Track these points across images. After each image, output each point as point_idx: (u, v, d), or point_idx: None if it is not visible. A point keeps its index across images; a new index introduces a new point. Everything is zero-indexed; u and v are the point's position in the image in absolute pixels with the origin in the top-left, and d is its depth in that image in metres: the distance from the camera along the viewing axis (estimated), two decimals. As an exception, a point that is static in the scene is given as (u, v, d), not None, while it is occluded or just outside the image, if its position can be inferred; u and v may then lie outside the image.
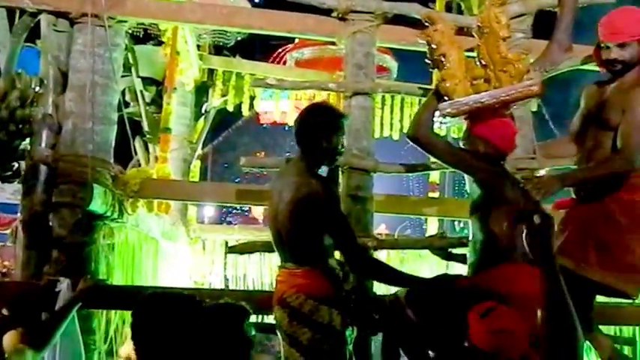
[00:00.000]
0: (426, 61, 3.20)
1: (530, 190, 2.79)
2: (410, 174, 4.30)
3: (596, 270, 2.83)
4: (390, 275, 3.03)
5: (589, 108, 3.16)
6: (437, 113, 3.07)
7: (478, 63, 3.12)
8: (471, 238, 3.02)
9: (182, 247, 6.81)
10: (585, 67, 3.93)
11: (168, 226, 6.02)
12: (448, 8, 7.91)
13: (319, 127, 2.98)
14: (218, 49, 8.24)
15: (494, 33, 3.08)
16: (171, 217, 6.42)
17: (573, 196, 3.12)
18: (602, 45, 3.07)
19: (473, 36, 3.23)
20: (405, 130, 7.40)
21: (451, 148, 3.14)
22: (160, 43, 7.04)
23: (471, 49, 3.25)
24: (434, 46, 3.07)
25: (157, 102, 7.31)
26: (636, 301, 3.22)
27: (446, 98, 3.03)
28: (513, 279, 2.66)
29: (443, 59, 3.04)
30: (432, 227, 8.48)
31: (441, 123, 3.10)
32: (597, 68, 3.38)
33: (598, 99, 3.11)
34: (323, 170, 3.10)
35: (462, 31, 3.77)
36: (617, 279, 2.83)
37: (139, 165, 6.87)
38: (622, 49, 3.00)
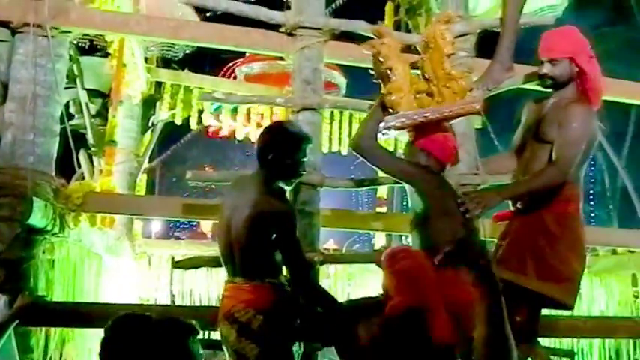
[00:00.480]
0: (371, 72, 3.26)
1: (470, 204, 2.85)
2: (358, 189, 4.33)
3: (534, 280, 2.91)
4: (325, 303, 3.02)
5: (528, 123, 3.27)
6: (381, 125, 3.12)
7: (421, 77, 3.19)
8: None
9: (127, 262, 6.68)
10: (527, 85, 4.06)
11: (112, 240, 5.90)
12: (396, 27, 8.05)
13: (283, 145, 2.99)
14: (166, 62, 8.16)
15: (439, 49, 3.16)
16: (116, 232, 6.29)
17: (512, 208, 3.21)
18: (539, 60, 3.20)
19: (418, 53, 3.29)
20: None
21: (394, 160, 3.22)
22: (106, 55, 6.92)
23: (415, 67, 3.31)
24: (381, 59, 3.13)
25: (102, 114, 7.19)
26: (574, 313, 3.32)
27: (391, 110, 3.08)
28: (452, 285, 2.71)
29: (389, 72, 3.10)
30: (379, 242, 8.55)
31: (383, 135, 3.15)
32: (539, 87, 3.50)
33: (537, 114, 3.22)
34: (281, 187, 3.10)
35: (407, 48, 3.84)
36: (553, 289, 2.91)
37: (83, 178, 6.71)
38: (553, 66, 3.13)
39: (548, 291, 2.91)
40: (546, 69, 3.15)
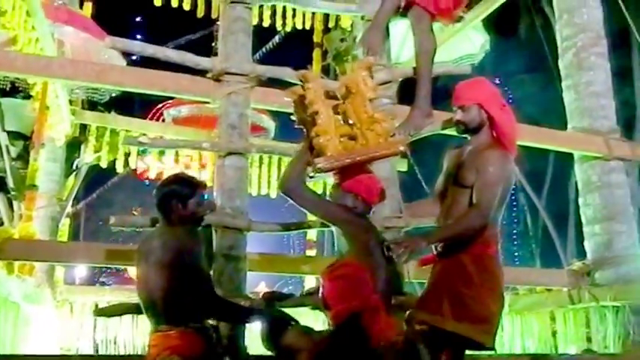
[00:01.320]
0: (292, 118, 3.34)
1: (397, 249, 2.92)
2: (285, 233, 4.34)
3: (450, 321, 2.98)
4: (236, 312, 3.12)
5: (449, 169, 3.39)
6: (309, 167, 3.20)
7: (343, 122, 3.29)
8: None
9: (47, 310, 6.41)
10: (449, 132, 4.22)
11: (31, 288, 5.67)
12: (325, 71, 8.24)
13: (173, 195, 3.04)
14: (93, 104, 8.04)
15: (362, 94, 3.27)
16: (36, 279, 6.06)
17: (434, 251, 3.30)
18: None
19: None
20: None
21: (321, 202, 3.27)
22: (28, 97, 6.76)
23: (337, 112, 3.40)
24: (307, 102, 3.21)
25: (23, 157, 7.00)
26: (495, 352, 3.40)
27: (318, 153, 3.16)
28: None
29: (315, 116, 3.19)
30: (310, 284, 8.54)
31: (311, 177, 3.23)
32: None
33: (456, 160, 3.35)
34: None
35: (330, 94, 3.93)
36: (470, 329, 2.98)
37: (2, 224, 6.47)
38: (463, 112, 3.30)
39: (464, 331, 2.97)
40: (458, 115, 3.32)
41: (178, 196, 3.05)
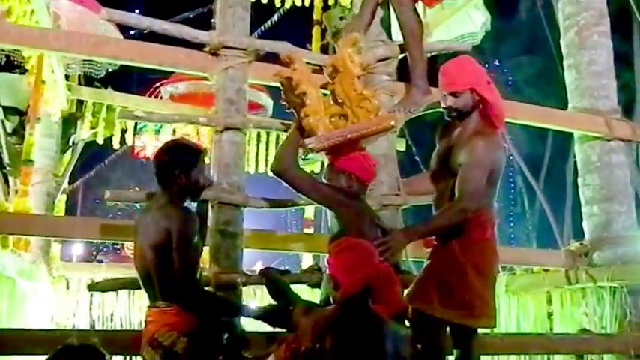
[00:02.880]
0: (283, 103, 3.31)
1: (380, 249, 2.89)
2: (282, 209, 4.32)
3: (438, 308, 2.99)
4: (217, 306, 3.00)
5: (440, 150, 3.34)
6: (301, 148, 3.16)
7: (333, 101, 3.25)
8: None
9: (43, 286, 6.40)
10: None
11: (27, 264, 5.65)
12: (324, 50, 8.16)
13: (176, 164, 2.94)
14: (89, 80, 7.95)
15: (349, 72, 3.24)
16: (32, 255, 6.04)
17: None
18: (442, 93, 3.28)
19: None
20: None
21: (315, 183, 3.21)
22: (24, 72, 6.69)
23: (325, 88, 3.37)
24: (293, 83, 3.17)
25: (19, 133, 6.94)
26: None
27: (309, 133, 3.12)
28: None
29: (303, 96, 3.14)
30: (307, 263, 8.53)
31: (303, 159, 3.18)
32: None
33: (446, 144, 3.29)
34: (189, 204, 3.05)
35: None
36: (457, 315, 3.01)
37: (-2, 199, 6.44)
38: (455, 98, 3.20)
39: (453, 318, 3.00)
40: (450, 102, 3.21)
41: (181, 164, 2.94)
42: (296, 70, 3.20)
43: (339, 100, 3.23)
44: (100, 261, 17.24)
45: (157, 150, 3.11)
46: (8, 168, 6.78)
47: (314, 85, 3.21)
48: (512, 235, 20.08)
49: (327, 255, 2.86)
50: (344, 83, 3.22)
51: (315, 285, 3.79)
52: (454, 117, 3.25)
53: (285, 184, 3.15)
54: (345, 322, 2.60)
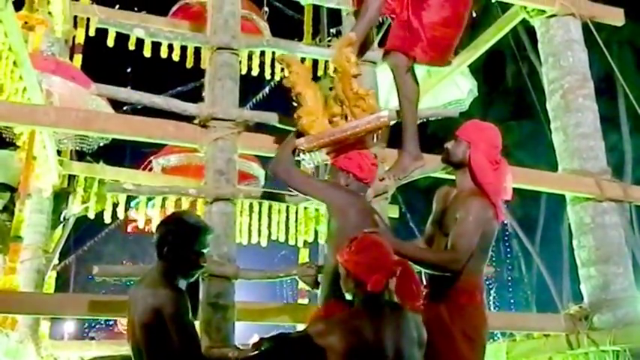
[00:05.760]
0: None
1: None
2: (275, 280, 4.23)
3: None
4: None
5: (436, 214, 3.35)
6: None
7: (334, 102, 3.32)
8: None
9: (31, 366, 6.20)
10: (441, 175, 4.18)
11: (13, 344, 5.49)
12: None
13: (168, 238, 2.90)
14: (81, 155, 7.97)
15: (346, 72, 3.31)
16: (19, 334, 5.88)
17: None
18: None
19: None
20: (273, 237, 7.42)
21: (309, 179, 3.37)
22: (15, 148, 6.70)
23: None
24: (289, 84, 3.27)
25: (9, 209, 6.86)
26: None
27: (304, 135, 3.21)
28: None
29: (299, 98, 3.24)
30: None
31: (302, 160, 3.27)
32: (450, 176, 3.62)
33: (442, 206, 3.32)
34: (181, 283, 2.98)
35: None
36: None
37: (-15, 277, 6.30)
38: (455, 142, 3.30)
39: None
40: (449, 144, 3.32)
41: (180, 240, 2.90)
42: (292, 72, 3.28)
43: (340, 101, 3.30)
44: (93, 338, 16.89)
45: (159, 223, 3.08)
46: (-2, 245, 6.68)
47: (311, 86, 3.29)
48: (512, 300, 19.84)
49: (341, 257, 2.77)
50: (343, 83, 3.33)
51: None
52: (444, 160, 3.35)
53: (286, 185, 3.33)
54: (371, 315, 2.61)
